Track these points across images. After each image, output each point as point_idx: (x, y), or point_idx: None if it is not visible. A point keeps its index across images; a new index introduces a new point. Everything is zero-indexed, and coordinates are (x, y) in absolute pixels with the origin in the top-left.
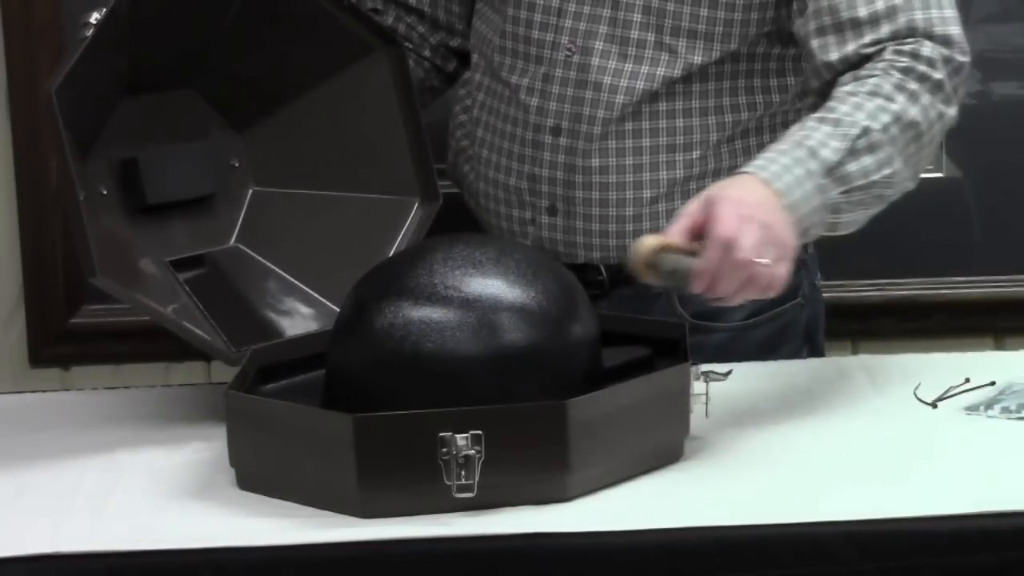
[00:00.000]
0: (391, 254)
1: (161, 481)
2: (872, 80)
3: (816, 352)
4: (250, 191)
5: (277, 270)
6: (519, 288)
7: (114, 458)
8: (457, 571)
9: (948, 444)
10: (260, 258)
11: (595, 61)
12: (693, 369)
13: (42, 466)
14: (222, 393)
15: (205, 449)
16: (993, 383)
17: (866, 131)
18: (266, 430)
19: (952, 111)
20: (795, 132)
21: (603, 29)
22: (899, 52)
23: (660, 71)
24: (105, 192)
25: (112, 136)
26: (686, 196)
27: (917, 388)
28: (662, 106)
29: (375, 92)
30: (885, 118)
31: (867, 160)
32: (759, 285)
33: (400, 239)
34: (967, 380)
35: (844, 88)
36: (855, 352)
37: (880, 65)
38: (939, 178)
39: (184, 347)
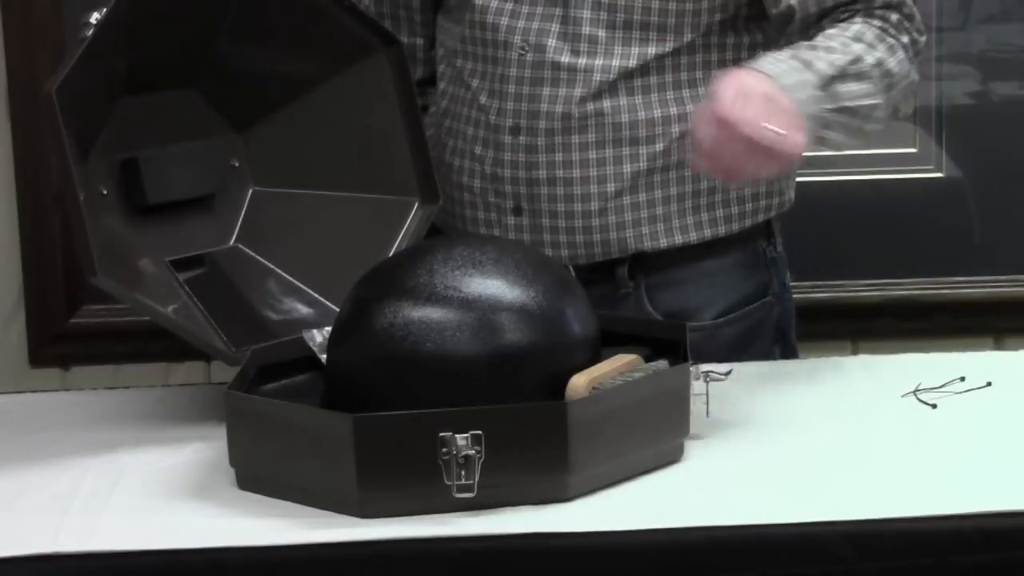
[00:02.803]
0: (391, 254)
1: (161, 481)
2: (855, 27)
3: (789, 350)
4: (250, 191)
5: (277, 270)
6: (519, 288)
7: (114, 458)
8: (457, 571)
9: (948, 444)
10: (260, 258)
11: (548, 58)
12: (693, 369)
13: (42, 466)
14: (222, 393)
15: (205, 449)
16: (989, 383)
17: (858, 59)
18: (266, 430)
19: (916, 76)
20: (787, 50)
21: (555, 27)
22: (870, 15)
23: (615, 63)
24: (105, 192)
25: (112, 136)
26: (650, 188)
27: (917, 388)
28: (621, 99)
29: (375, 92)
30: (870, 59)
31: (854, 86)
32: (775, 154)
33: (400, 239)
34: (962, 379)
35: (830, 30)
36: (855, 352)
37: (859, 17)
38: (939, 178)
39: (184, 347)
